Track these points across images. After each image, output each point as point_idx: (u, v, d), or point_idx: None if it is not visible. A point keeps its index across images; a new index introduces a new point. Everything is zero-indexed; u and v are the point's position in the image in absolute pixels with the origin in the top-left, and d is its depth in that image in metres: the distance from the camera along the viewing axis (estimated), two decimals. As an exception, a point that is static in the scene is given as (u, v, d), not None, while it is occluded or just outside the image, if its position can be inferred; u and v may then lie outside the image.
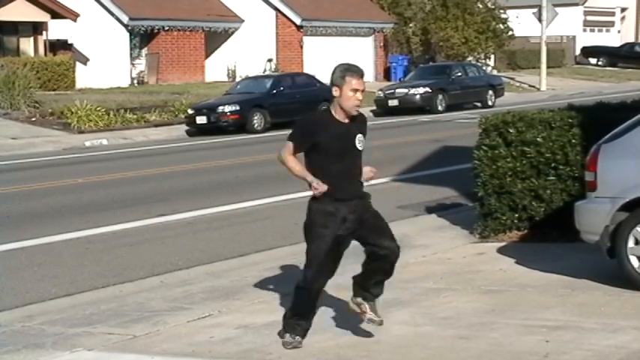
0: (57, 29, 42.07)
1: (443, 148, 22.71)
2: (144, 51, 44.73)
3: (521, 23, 53.31)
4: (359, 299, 7.52)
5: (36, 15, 40.88)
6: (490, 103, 39.20)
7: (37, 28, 41.64)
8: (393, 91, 37.62)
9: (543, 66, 48.52)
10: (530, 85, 49.88)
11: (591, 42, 66.81)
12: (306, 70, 43.09)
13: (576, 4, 67.38)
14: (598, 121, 10.80)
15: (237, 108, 31.48)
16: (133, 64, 44.16)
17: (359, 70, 7.34)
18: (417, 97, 36.92)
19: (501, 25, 52.82)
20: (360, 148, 7.38)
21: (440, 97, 37.29)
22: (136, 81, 43.96)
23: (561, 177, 11.26)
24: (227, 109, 31.51)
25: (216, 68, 47.47)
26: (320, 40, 48.01)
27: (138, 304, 9.59)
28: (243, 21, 47.55)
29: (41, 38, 41.68)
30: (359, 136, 7.36)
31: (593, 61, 65.48)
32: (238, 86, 35.06)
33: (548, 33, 48.34)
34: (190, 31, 45.64)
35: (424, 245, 11.78)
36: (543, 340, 7.51)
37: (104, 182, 19.54)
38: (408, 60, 50.47)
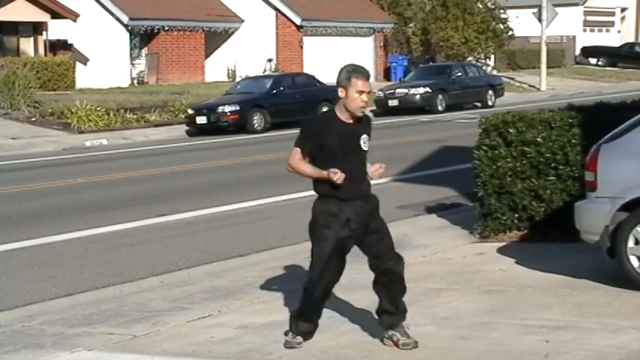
0: (57, 29, 42.05)
1: (443, 148, 22.70)
2: (144, 51, 44.73)
3: (521, 23, 53.30)
4: (389, 332, 7.50)
5: (36, 15, 40.87)
6: (490, 103, 39.18)
7: (37, 28, 41.63)
8: (393, 91, 37.59)
9: (543, 66, 48.50)
10: (530, 85, 49.86)
11: (591, 42, 66.78)
12: (306, 70, 43.08)
13: (576, 4, 67.37)
14: (598, 121, 10.79)
15: (237, 108, 31.44)
16: (133, 64, 44.15)
17: (365, 72, 7.30)
18: (417, 97, 36.91)
19: (501, 25, 52.82)
20: (365, 149, 7.35)
21: (440, 97, 37.28)
22: (136, 81, 43.94)
23: (561, 177, 11.26)
24: (227, 109, 31.48)
25: (216, 68, 47.47)
26: (320, 40, 48.01)
27: (138, 304, 9.59)
28: (243, 21, 47.54)
29: (41, 38, 41.67)
30: (364, 137, 7.33)
31: (593, 61, 65.46)
32: (238, 86, 35.03)
33: (548, 33, 48.31)
34: (190, 31, 45.64)
35: (424, 245, 11.78)
36: (543, 340, 7.51)
37: (104, 182, 19.53)
38: (408, 60, 50.46)
